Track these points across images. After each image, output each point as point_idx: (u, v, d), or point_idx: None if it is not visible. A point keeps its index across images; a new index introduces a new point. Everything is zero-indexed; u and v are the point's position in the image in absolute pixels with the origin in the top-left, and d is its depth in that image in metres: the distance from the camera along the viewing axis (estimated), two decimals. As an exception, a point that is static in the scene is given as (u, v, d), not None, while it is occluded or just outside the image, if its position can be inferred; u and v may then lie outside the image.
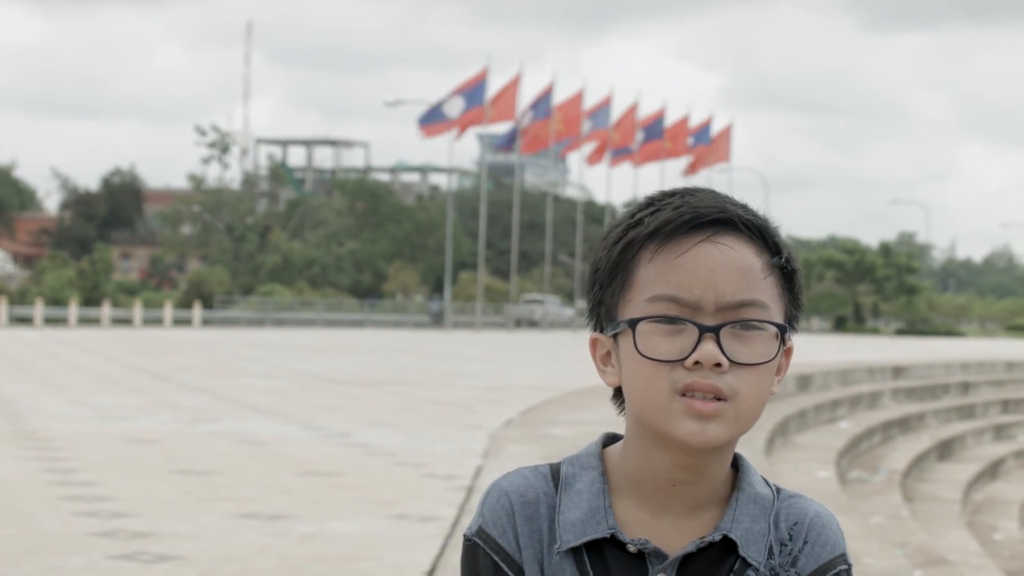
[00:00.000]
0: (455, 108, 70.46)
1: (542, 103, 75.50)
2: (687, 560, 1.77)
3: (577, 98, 78.02)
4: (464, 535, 1.83)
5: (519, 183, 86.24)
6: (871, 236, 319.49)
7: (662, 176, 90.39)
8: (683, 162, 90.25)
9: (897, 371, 34.45)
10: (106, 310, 60.48)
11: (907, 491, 20.62)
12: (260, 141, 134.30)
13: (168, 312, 62.32)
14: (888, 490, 19.77)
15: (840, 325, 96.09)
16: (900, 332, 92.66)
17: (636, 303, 1.74)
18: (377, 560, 8.53)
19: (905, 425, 27.02)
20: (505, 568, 1.79)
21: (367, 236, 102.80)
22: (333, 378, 26.51)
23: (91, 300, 68.29)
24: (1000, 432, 29.78)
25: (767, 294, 1.74)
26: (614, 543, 1.77)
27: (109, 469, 12.55)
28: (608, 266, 1.78)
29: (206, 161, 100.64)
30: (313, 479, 12.19)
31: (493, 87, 72.47)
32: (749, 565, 1.79)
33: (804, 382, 28.27)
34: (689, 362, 1.69)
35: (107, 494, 10.94)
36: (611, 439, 1.86)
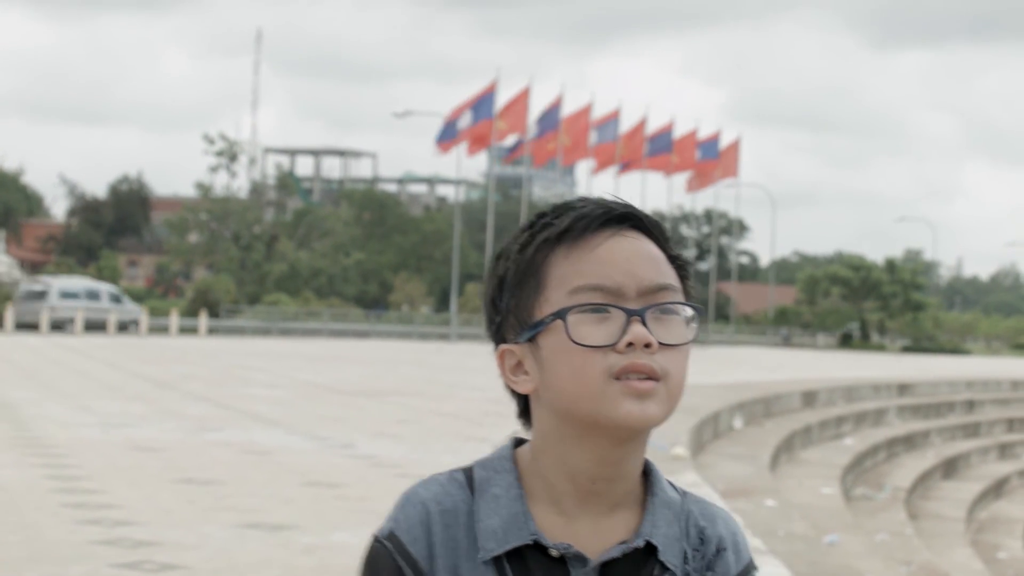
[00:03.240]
0: (465, 121, 70.51)
1: (550, 116, 75.50)
2: (608, 564, 1.79)
3: (585, 111, 78.02)
4: (373, 535, 1.83)
5: (527, 195, 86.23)
6: (876, 253, 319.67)
7: (669, 190, 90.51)
8: (689, 176, 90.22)
9: (902, 388, 34.42)
10: (112, 317, 60.46)
11: (911, 509, 20.59)
12: (268, 150, 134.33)
13: (174, 320, 62.31)
14: (892, 507, 19.75)
15: (846, 341, 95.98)
16: (906, 349, 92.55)
17: (556, 299, 1.77)
18: (379, 572, 8.50)
19: (910, 442, 26.99)
20: (409, 574, 1.78)
21: (374, 246, 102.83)
22: (338, 388, 26.52)
23: (97, 307, 68.26)
24: (1005, 451, 29.75)
25: (675, 280, 1.81)
26: (536, 548, 1.78)
27: (112, 477, 12.54)
28: (518, 271, 1.81)
29: (214, 170, 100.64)
30: (316, 490, 12.18)
31: (501, 100, 72.52)
32: (667, 569, 1.81)
33: (809, 398, 28.25)
34: (622, 344, 1.73)
35: (110, 502, 10.93)
36: (520, 441, 1.87)
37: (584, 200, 1.84)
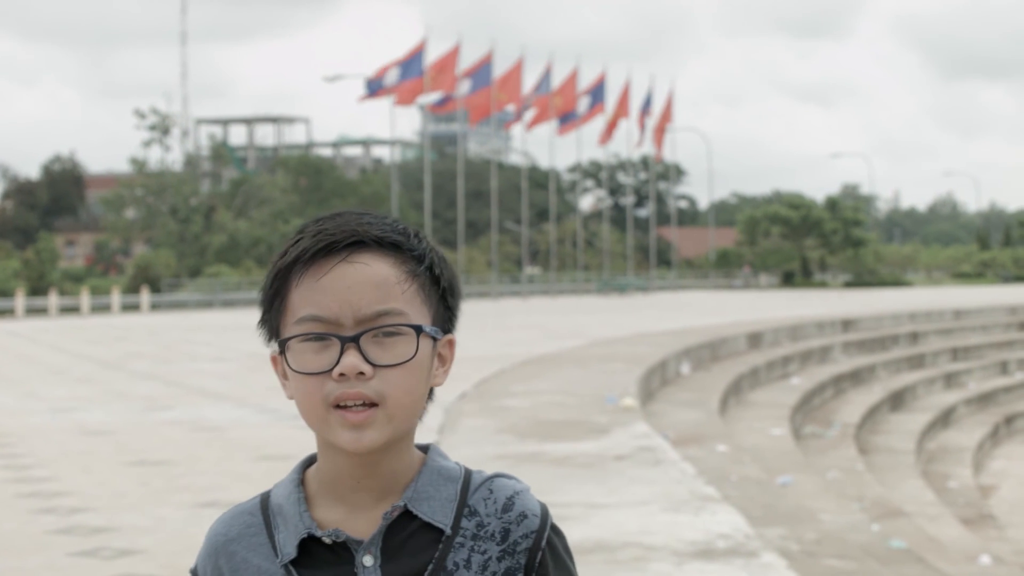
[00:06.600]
0: (392, 78, 70.29)
1: (482, 72, 75.32)
2: (390, 542, 1.87)
3: (517, 67, 77.94)
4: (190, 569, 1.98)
5: (463, 152, 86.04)
6: (813, 189, 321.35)
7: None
8: (628, 125, 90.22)
9: (846, 324, 34.67)
10: (53, 299, 59.98)
11: (861, 444, 20.78)
12: (200, 121, 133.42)
13: (116, 298, 61.83)
14: (842, 444, 19.92)
15: (788, 280, 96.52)
16: (848, 284, 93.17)
17: (288, 325, 1.87)
18: (338, 544, 8.53)
19: (856, 378, 27.21)
20: None
21: (312, 212, 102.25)
22: (285, 358, 26.39)
23: (38, 290, 67.67)
24: (950, 380, 30.03)
25: (406, 301, 1.86)
26: (319, 544, 1.87)
27: (64, 463, 12.50)
28: (269, 293, 1.91)
29: (147, 144, 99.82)
30: (269, 463, 12.18)
31: (431, 58, 72.32)
32: (452, 537, 1.87)
33: (755, 340, 28.42)
34: (335, 373, 1.81)
35: (64, 489, 10.90)
36: (313, 459, 1.96)
37: (322, 223, 1.91)
